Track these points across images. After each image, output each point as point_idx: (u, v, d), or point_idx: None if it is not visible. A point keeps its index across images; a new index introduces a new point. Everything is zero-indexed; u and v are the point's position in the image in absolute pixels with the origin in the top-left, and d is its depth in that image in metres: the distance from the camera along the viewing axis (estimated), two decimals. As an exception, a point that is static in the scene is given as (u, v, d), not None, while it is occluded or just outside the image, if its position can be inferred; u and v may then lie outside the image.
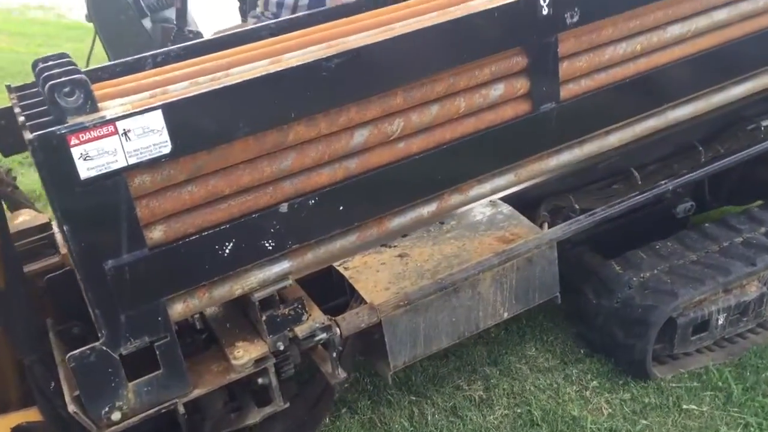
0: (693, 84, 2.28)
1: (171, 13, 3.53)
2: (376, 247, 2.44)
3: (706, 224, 3.02)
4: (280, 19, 2.16)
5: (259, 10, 3.51)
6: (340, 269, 2.35)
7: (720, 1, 2.20)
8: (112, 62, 1.96)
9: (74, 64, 1.64)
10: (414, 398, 2.52)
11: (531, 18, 1.89)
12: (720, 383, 2.61)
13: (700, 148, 3.02)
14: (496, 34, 1.86)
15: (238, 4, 3.67)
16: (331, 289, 2.39)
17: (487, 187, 2.07)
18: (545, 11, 1.89)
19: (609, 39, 2.07)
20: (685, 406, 2.50)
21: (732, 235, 2.92)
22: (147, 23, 3.41)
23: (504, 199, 2.65)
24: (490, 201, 2.61)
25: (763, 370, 2.68)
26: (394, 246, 2.45)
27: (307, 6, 3.39)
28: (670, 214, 3.18)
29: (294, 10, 3.41)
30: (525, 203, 2.72)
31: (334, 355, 2.01)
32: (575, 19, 1.94)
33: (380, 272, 2.33)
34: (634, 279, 2.72)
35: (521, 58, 1.94)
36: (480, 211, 2.57)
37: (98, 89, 1.68)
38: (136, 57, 1.96)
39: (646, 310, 2.59)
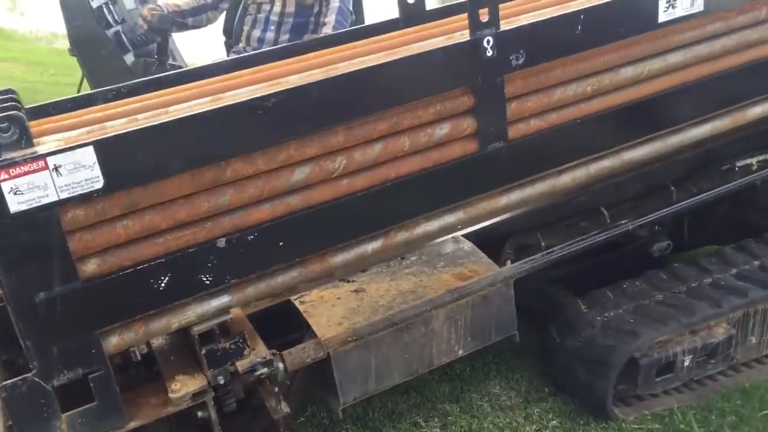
0: (648, 125, 2.29)
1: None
2: (334, 281, 2.46)
3: (676, 264, 3.01)
4: (239, 56, 2.20)
5: (241, 45, 3.58)
6: (296, 303, 2.36)
7: (674, 44, 2.22)
8: (64, 98, 2.01)
9: (17, 101, 1.68)
10: (369, 434, 2.52)
11: (475, 59, 1.91)
12: (682, 426, 2.58)
13: (672, 188, 3.03)
14: (440, 75, 1.89)
15: (224, 38, 3.74)
16: (291, 323, 2.41)
17: (435, 224, 2.08)
18: (489, 53, 1.91)
19: (558, 80, 2.08)
20: (643, 449, 2.47)
21: (701, 275, 2.91)
22: (130, 58, 3.48)
23: (471, 236, 2.67)
24: (453, 237, 2.63)
25: (729, 413, 2.65)
26: (352, 281, 2.46)
27: (288, 41, 3.45)
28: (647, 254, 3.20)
29: (275, 45, 3.47)
30: (493, 240, 2.74)
31: (277, 389, 2.01)
32: (521, 61, 1.96)
33: (335, 307, 2.34)
34: (598, 318, 2.71)
35: (467, 99, 1.96)
36: (441, 247, 2.58)
37: (40, 125, 1.72)
38: (87, 93, 2.01)
39: (606, 350, 2.58)
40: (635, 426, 2.58)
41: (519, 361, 2.94)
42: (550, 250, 2.46)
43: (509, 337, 2.48)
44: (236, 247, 1.77)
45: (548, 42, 2.00)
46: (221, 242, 1.75)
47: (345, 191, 1.89)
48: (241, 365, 1.93)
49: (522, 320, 2.89)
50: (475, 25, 1.89)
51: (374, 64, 1.79)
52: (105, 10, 3.25)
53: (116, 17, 3.36)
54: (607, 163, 2.28)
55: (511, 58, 1.95)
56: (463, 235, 2.66)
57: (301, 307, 2.34)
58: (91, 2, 3.20)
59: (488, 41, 1.90)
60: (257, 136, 1.70)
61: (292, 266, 1.92)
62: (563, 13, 2.00)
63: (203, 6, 3.54)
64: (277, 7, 3.44)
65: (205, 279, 1.77)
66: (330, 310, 2.32)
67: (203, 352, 1.88)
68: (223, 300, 1.85)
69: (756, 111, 2.48)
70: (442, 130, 1.97)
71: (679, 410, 2.65)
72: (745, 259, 2.98)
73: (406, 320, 2.23)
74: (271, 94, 1.68)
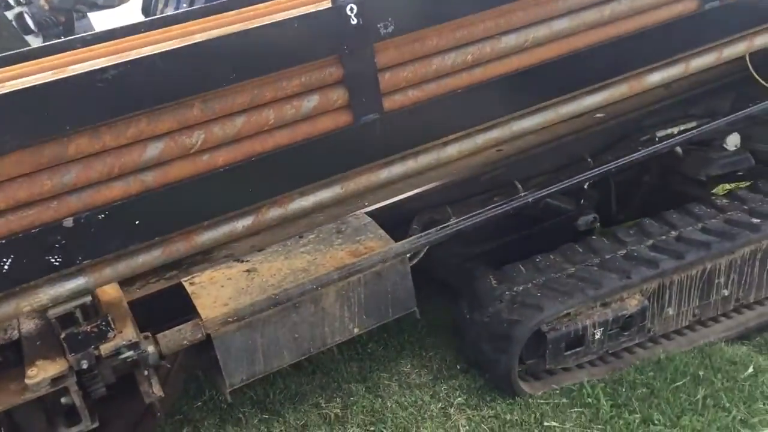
0: (536, 94, 2.23)
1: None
2: (228, 261, 2.41)
3: (594, 237, 2.97)
4: (98, 31, 2.13)
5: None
6: (186, 285, 2.31)
7: (559, 11, 2.16)
8: None
9: None
10: (266, 416, 2.47)
11: (340, 28, 1.85)
12: (590, 400, 2.55)
13: (590, 161, 2.98)
14: (300, 45, 1.82)
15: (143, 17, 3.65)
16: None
17: (310, 200, 2.03)
18: (354, 21, 1.85)
19: (435, 49, 2.03)
20: (546, 424, 2.44)
21: (616, 247, 2.87)
22: (39, 40, 3.38)
23: (379, 212, 2.62)
24: (354, 214, 2.58)
25: (640, 386, 2.62)
26: (246, 260, 2.41)
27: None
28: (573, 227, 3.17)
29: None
30: (402, 216, 2.69)
31: (147, 373, 1.96)
32: (390, 29, 1.90)
33: (224, 287, 2.29)
34: (507, 293, 2.67)
35: (336, 69, 1.90)
36: (340, 224, 2.53)
37: None
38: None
39: (510, 324, 2.55)
40: (542, 401, 2.55)
41: (434, 339, 2.91)
42: (444, 225, 2.40)
43: (412, 314, 2.44)
44: (86, 226, 1.72)
45: (418, 9, 1.94)
46: (68, 222, 1.69)
47: (206, 167, 1.83)
48: (105, 349, 1.88)
49: (444, 296, 2.88)
50: (336, -8, 1.83)
51: (221, 34, 1.73)
52: (6, -8, 3.17)
53: (20, -1, 3.28)
54: (495, 134, 2.23)
55: (378, 26, 1.89)
56: (373, 211, 2.61)
57: (189, 289, 2.28)
58: (-11, -16, 3.12)
59: (351, 9, 1.84)
60: (99, 109, 1.63)
61: (154, 245, 1.87)
62: (435, -22, 1.94)
63: (114, -15, 3.46)
64: (189, -16, 3.37)
65: (53, 260, 1.71)
66: (218, 291, 2.27)
67: (63, 336, 1.83)
68: (78, 282, 1.79)
69: (654, 78, 2.43)
70: (310, 103, 1.91)
71: (589, 384, 2.62)
72: (662, 230, 2.94)
73: (292, 299, 2.18)
74: (110, 66, 1.61)
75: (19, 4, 3.27)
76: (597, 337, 2.68)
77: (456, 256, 3.07)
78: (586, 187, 3.24)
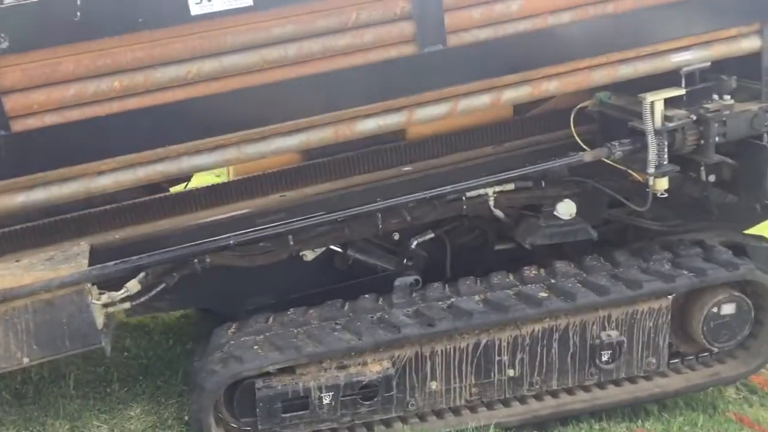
0: (204, 129, 2.12)
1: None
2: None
3: (367, 295, 2.77)
4: None
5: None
6: None
7: (229, 46, 2.07)
8: None
9: None
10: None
11: None
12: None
13: (379, 215, 2.80)
14: None
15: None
16: None
17: None
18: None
19: (73, 76, 1.96)
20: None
21: (380, 307, 2.68)
22: None
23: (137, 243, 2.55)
24: (81, 244, 2.52)
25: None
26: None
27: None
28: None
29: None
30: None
31: None
32: (4, 45, 1.88)
33: None
34: (232, 342, 2.52)
35: None
36: (60, 251, 2.47)
37: None
38: None
39: (207, 374, 2.39)
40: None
41: (186, 387, 2.76)
42: (125, 259, 2.30)
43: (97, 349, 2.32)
44: None
45: (37, 27, 1.91)
46: None
47: None
48: None
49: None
50: None
51: None
52: None
53: None
54: (161, 168, 2.14)
55: (-11, 39, 1.87)
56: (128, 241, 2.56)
57: None
58: None
59: (-48, 19, 1.84)
60: None
61: None
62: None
63: None
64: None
65: None
66: None
67: None
68: None
69: (368, 125, 2.27)
70: None
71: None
72: (442, 296, 2.73)
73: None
74: None
75: None
76: (326, 402, 2.47)
77: (264, 305, 2.94)
78: (414, 246, 3.08)
